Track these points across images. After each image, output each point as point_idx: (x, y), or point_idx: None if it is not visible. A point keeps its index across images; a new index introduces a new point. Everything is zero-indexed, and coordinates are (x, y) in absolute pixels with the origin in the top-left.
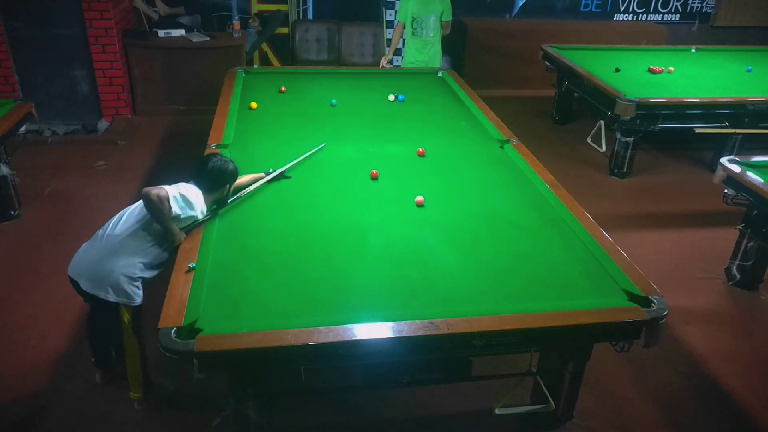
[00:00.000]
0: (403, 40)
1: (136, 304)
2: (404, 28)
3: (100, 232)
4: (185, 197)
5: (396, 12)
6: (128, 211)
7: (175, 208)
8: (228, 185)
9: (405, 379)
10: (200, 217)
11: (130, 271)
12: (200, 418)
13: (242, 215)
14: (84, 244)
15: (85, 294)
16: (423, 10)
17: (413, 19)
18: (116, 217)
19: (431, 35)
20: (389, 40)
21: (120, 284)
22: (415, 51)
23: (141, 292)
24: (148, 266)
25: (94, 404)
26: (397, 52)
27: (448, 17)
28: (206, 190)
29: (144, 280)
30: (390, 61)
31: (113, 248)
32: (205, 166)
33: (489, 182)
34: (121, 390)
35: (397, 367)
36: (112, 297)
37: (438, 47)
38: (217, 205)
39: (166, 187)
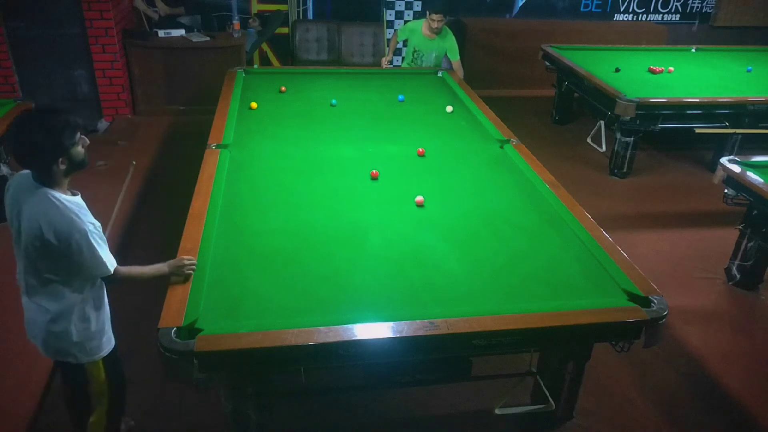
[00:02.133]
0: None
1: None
2: (398, 39)
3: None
4: (94, 234)
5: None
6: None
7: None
8: (67, 146)
9: (405, 379)
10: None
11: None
12: None
13: (242, 215)
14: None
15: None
16: (425, 46)
17: (414, 50)
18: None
19: (430, 63)
20: (389, 40)
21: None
22: None
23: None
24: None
25: None
26: (397, 51)
27: (455, 57)
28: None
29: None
30: (390, 62)
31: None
32: (21, 148)
33: (489, 182)
34: None
35: (397, 367)
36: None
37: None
38: None
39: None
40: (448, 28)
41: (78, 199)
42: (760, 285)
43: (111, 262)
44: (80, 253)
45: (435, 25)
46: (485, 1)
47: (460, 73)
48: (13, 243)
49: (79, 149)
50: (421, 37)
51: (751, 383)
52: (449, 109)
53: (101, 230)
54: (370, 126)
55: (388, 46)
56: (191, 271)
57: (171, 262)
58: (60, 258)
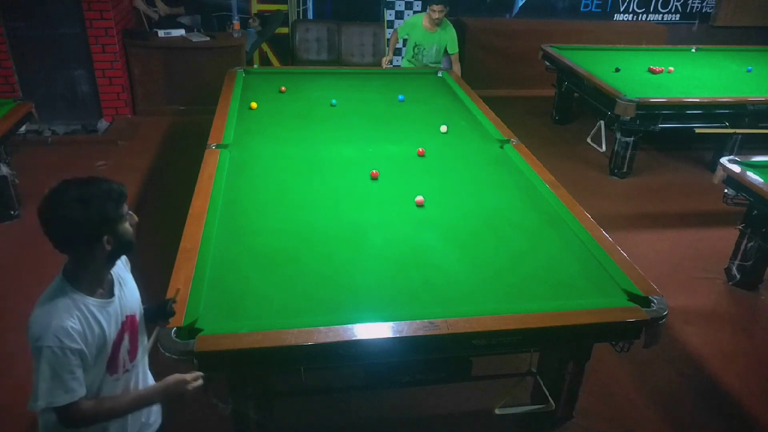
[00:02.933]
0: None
1: None
2: (399, 43)
3: None
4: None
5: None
6: None
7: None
8: (113, 219)
9: (405, 379)
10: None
11: None
12: None
13: (242, 215)
14: None
15: None
16: (426, 40)
17: (415, 45)
18: None
19: (431, 63)
20: (389, 40)
21: None
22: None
23: None
24: None
25: None
26: (397, 51)
27: (454, 49)
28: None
29: None
30: (390, 61)
31: None
32: (50, 223)
33: (489, 182)
34: None
35: (397, 367)
36: None
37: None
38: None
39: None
40: (448, 21)
41: (110, 306)
42: (760, 285)
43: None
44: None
45: (436, 15)
46: (485, 1)
47: (457, 66)
48: None
49: (127, 226)
50: (422, 30)
51: (751, 383)
52: (443, 129)
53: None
54: (370, 126)
55: (388, 45)
56: (195, 389)
57: (170, 384)
58: None
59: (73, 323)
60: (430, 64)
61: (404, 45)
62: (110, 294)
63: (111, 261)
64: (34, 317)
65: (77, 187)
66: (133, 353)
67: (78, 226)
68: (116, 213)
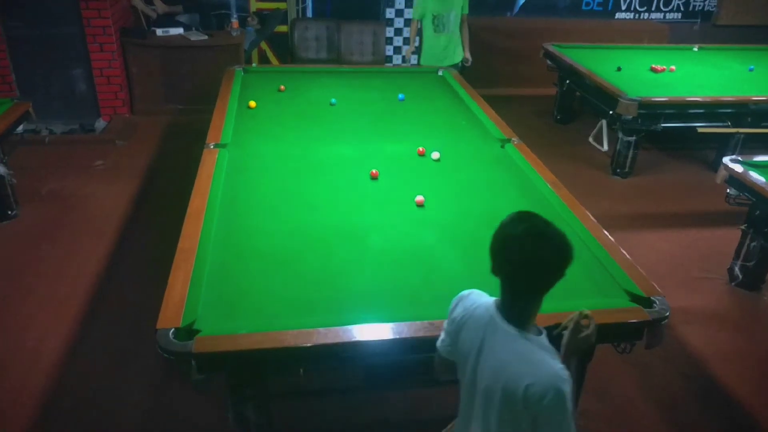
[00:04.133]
0: (419, 38)
1: None
2: (419, 25)
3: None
4: None
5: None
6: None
7: None
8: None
9: (405, 381)
10: None
11: None
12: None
13: (241, 215)
14: None
15: None
16: (443, 7)
17: (434, 17)
18: None
19: (453, 30)
20: (389, 39)
21: None
22: (437, 48)
23: None
24: None
25: (93, 404)
26: (397, 50)
27: (466, 10)
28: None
29: None
30: (413, 51)
31: None
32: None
33: (490, 182)
34: (119, 389)
35: (397, 368)
36: None
37: (459, 42)
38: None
39: None
40: None
41: (544, 339)
42: (762, 285)
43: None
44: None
45: None
46: None
47: (466, 28)
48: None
49: None
50: None
51: (752, 384)
52: (435, 155)
53: None
54: (370, 125)
55: (389, 44)
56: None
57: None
58: (523, 418)
59: (552, 356)
60: (452, 33)
61: (421, 43)
62: None
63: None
64: (540, 367)
65: (552, 233)
66: None
67: (552, 273)
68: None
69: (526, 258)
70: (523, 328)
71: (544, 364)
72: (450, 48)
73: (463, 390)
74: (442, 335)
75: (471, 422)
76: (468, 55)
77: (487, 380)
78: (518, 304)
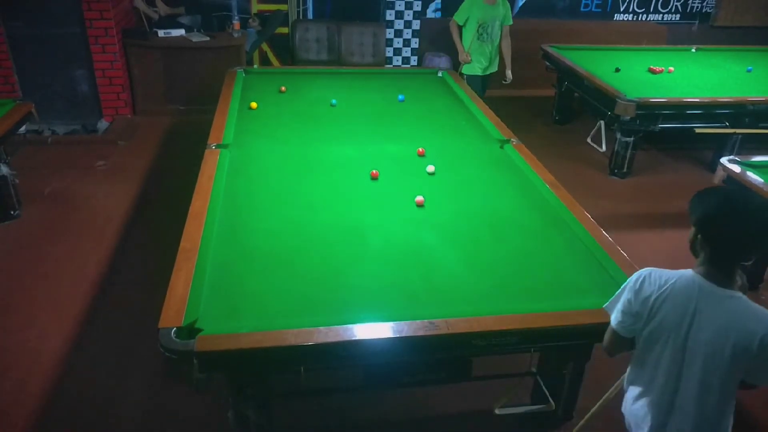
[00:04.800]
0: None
1: None
2: (459, 28)
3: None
4: None
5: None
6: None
7: None
8: None
9: (405, 380)
10: None
11: None
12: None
13: (242, 215)
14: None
15: None
16: (489, 16)
17: (479, 25)
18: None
19: (496, 41)
20: (389, 40)
21: None
22: (480, 56)
23: None
24: None
25: (93, 403)
26: (397, 51)
27: (509, 21)
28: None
29: None
30: (468, 54)
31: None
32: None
33: (489, 182)
34: (120, 389)
35: (397, 367)
36: None
37: (498, 53)
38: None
39: None
40: None
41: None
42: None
43: None
44: None
45: None
46: None
47: (509, 41)
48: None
49: None
50: (483, 6)
51: None
52: (431, 169)
53: None
54: (370, 126)
55: (389, 45)
56: None
57: None
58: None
59: None
60: (496, 43)
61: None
62: None
63: None
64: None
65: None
66: None
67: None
68: None
69: (747, 231)
70: (732, 289)
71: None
72: (493, 59)
73: (664, 359)
74: (620, 317)
75: (680, 384)
76: (509, 74)
77: (708, 344)
78: (729, 270)
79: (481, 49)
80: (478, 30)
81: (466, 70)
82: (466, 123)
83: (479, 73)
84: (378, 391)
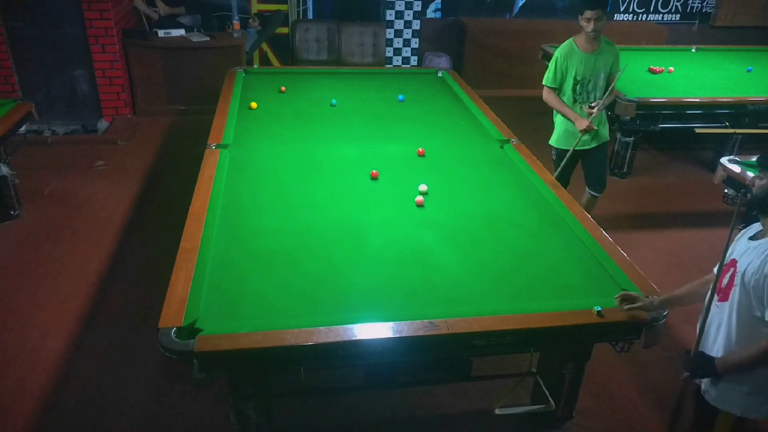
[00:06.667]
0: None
1: None
2: (554, 92)
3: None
4: None
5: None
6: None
7: None
8: None
9: (405, 379)
10: None
11: None
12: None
13: (242, 215)
14: None
15: None
16: (590, 68)
17: (576, 83)
18: None
19: (601, 97)
20: (389, 40)
21: None
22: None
23: None
24: None
25: (94, 403)
26: (397, 51)
27: (618, 66)
28: None
29: None
30: (591, 106)
31: None
32: None
33: (489, 182)
34: (121, 388)
35: (397, 367)
36: None
37: (604, 114)
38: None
39: None
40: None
41: None
42: None
43: None
44: None
45: (591, 27)
46: (485, 1)
47: (612, 95)
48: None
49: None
50: (581, 56)
51: None
52: (423, 188)
53: None
54: (370, 126)
55: (389, 45)
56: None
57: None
58: None
59: None
60: (598, 100)
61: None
62: None
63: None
64: None
65: None
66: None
67: None
68: None
69: None
70: None
71: None
72: (595, 121)
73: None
74: None
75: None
76: (595, 110)
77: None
78: None
79: (580, 113)
80: (575, 89)
81: (558, 143)
82: (466, 123)
83: (581, 146)
84: (378, 391)
